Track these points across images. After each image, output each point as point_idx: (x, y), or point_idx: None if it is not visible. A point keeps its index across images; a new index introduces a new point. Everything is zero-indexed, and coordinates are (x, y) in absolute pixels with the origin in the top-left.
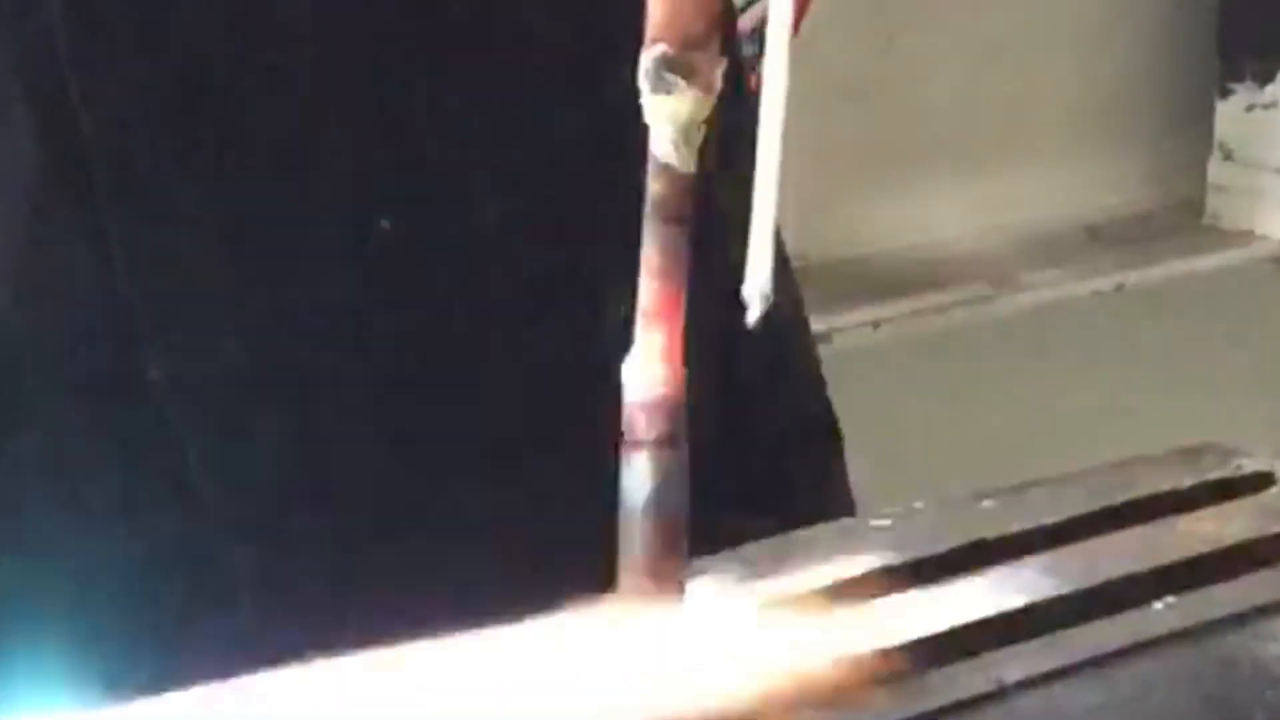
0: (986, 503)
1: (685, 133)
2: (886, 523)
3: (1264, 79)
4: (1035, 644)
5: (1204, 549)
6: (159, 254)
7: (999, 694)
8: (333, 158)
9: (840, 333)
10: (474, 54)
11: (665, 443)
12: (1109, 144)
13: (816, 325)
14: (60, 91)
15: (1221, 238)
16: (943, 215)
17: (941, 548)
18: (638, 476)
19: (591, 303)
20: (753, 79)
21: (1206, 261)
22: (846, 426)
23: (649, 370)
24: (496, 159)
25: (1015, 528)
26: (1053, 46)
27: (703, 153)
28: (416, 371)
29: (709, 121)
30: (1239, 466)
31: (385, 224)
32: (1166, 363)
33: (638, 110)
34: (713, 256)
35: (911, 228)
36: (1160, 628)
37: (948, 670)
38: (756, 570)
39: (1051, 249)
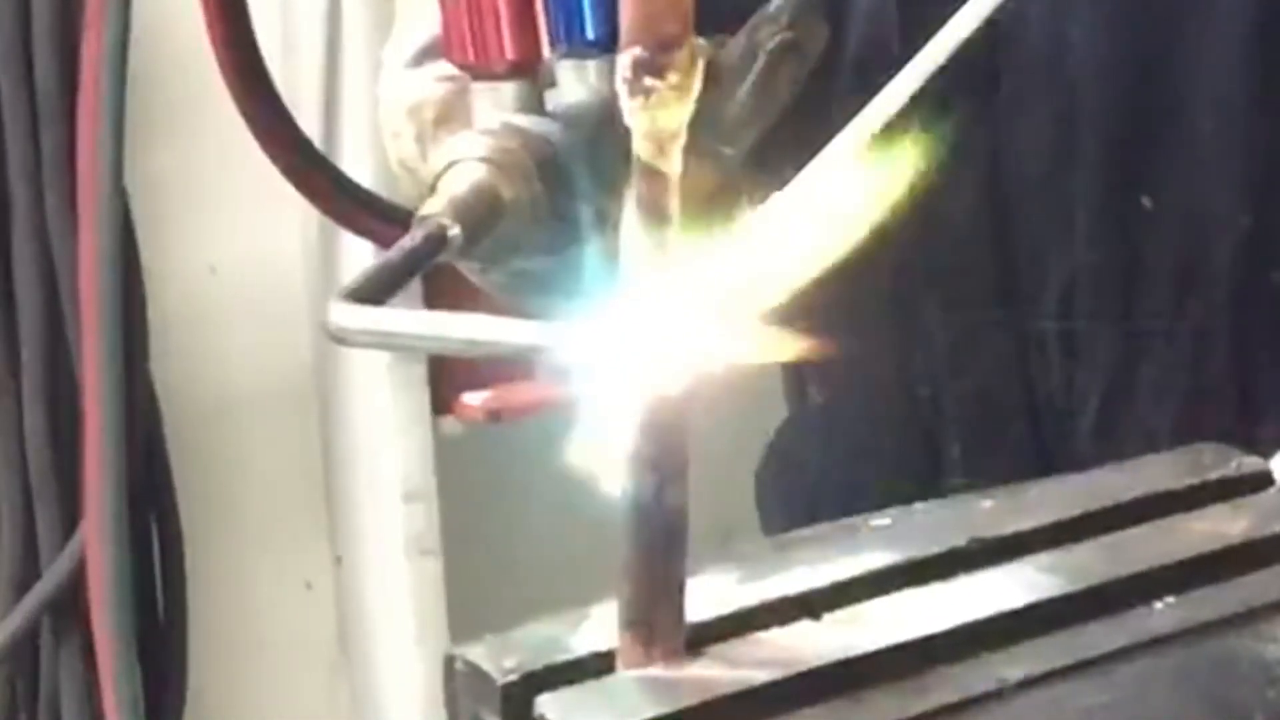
0: (986, 503)
1: (666, 133)
2: (886, 522)
3: None
4: (1035, 644)
5: (1204, 549)
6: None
7: (999, 694)
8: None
9: None
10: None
11: (665, 442)
12: None
13: None
14: None
15: None
16: None
17: (941, 548)
18: (638, 476)
19: None
20: None
21: None
22: None
23: (647, 370)
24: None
25: (1015, 528)
26: None
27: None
28: None
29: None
30: (1239, 466)
31: (1148, 203)
32: None
33: None
34: None
35: None
36: (1160, 628)
37: (948, 670)
38: (757, 570)
39: None
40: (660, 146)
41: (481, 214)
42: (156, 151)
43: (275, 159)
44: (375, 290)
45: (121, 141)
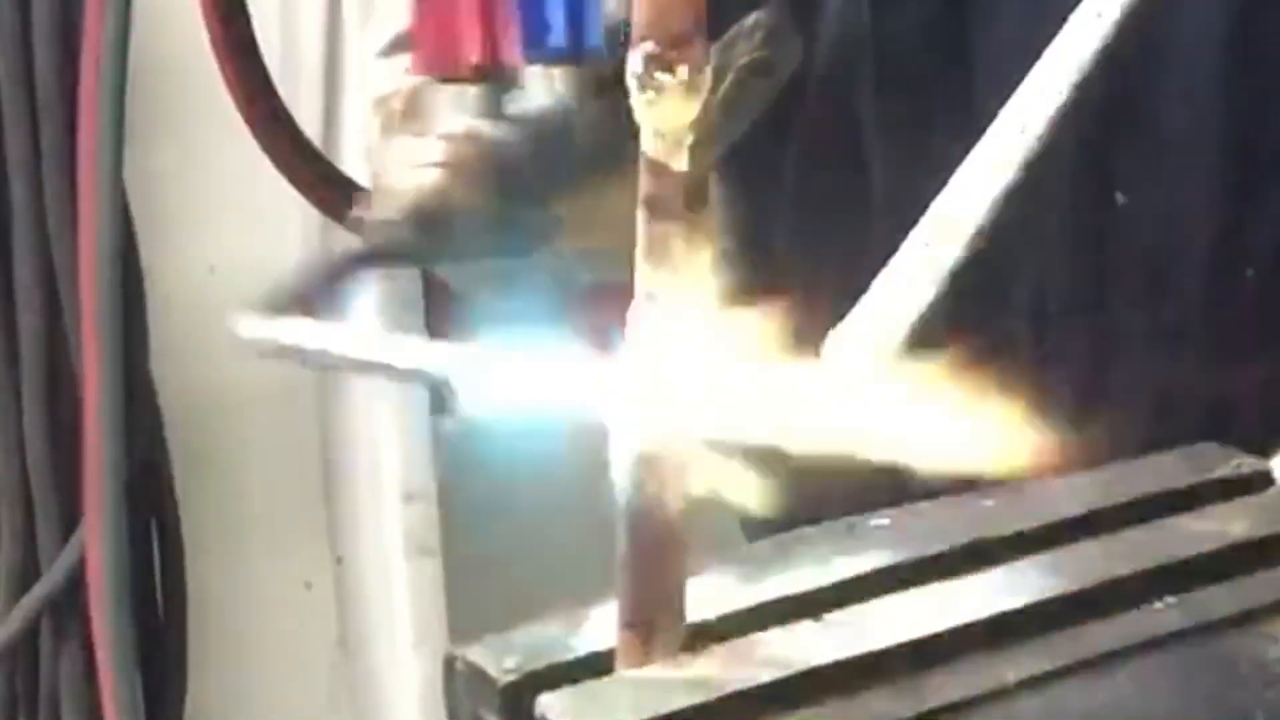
0: (986, 502)
1: (676, 131)
2: (886, 522)
3: None
4: (1035, 644)
5: (1204, 549)
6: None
7: (999, 694)
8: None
9: None
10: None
11: (664, 443)
12: None
13: None
14: None
15: None
16: None
17: (941, 548)
18: (638, 475)
19: None
20: None
21: None
22: None
23: (647, 364)
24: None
25: (1015, 528)
26: None
27: (695, 150)
28: None
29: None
30: (1239, 466)
31: (1121, 199)
32: None
33: None
34: None
35: None
36: (1160, 628)
37: (948, 670)
38: (757, 570)
39: None
40: (669, 143)
41: (433, 219)
42: (156, 151)
43: (275, 159)
44: (311, 292)
45: (121, 140)
